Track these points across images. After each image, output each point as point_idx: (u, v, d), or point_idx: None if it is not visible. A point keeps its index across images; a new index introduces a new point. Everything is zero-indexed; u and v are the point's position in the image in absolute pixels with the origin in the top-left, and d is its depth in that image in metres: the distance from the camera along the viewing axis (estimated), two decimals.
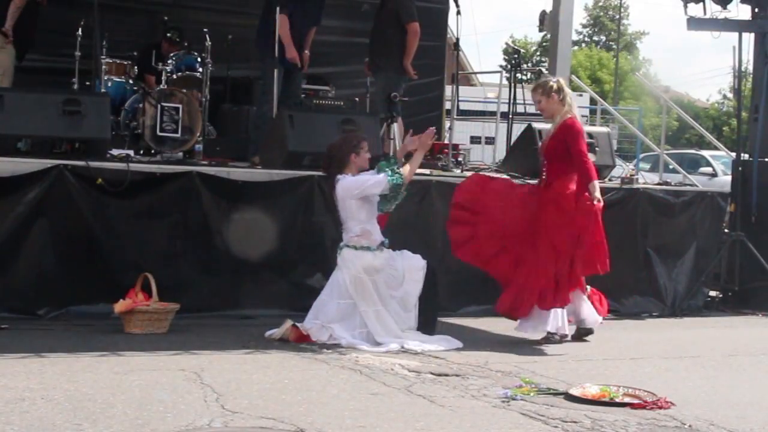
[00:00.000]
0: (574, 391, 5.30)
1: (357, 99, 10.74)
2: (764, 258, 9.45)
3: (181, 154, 8.77)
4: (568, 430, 4.63)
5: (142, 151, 8.73)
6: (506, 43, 36.03)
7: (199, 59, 9.78)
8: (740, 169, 9.96)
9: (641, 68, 45.39)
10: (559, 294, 7.09)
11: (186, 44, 10.09)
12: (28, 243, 7.13)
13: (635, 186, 9.44)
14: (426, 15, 11.67)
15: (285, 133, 8.10)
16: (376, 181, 6.74)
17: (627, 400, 5.24)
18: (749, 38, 10.18)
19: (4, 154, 7.22)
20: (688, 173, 12.77)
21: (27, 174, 7.13)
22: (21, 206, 7.10)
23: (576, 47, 44.67)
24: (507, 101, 10.70)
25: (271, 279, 7.82)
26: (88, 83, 9.29)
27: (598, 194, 6.98)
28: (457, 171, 9.55)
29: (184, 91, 9.13)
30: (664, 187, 9.87)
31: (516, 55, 11.38)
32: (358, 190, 6.73)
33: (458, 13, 9.81)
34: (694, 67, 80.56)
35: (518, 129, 9.87)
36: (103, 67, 9.32)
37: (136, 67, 9.80)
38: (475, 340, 7.05)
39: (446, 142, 10.61)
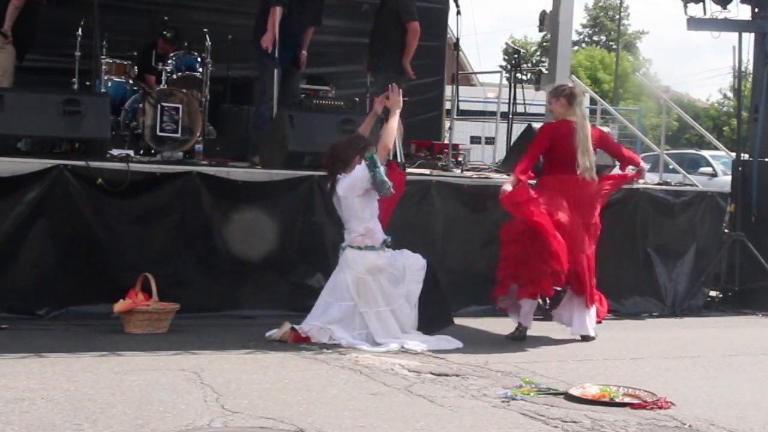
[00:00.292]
0: (574, 391, 5.30)
1: (357, 99, 10.73)
2: (764, 258, 9.46)
3: (181, 154, 8.77)
4: (568, 430, 4.63)
5: (142, 151, 8.73)
6: (506, 43, 36.00)
7: (199, 59, 9.79)
8: (740, 169, 9.96)
9: (641, 68, 45.39)
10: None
11: (185, 44, 10.09)
12: (28, 243, 7.13)
13: (635, 186, 9.43)
14: (426, 15, 11.66)
15: (285, 133, 8.10)
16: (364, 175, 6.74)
17: (627, 400, 5.24)
18: (749, 38, 10.18)
19: (4, 154, 7.22)
20: (688, 173, 12.77)
21: (27, 174, 7.13)
22: (21, 206, 7.10)
23: (576, 47, 44.68)
24: (507, 101, 10.71)
25: (271, 279, 7.82)
26: (88, 83, 9.29)
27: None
28: (457, 171, 9.55)
29: (184, 91, 9.14)
30: (664, 187, 9.88)
31: (516, 55, 11.38)
32: (361, 183, 6.70)
33: (458, 13, 9.82)
34: (694, 67, 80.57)
35: (518, 129, 9.87)
36: (103, 67, 9.33)
37: (136, 67, 9.80)
38: (475, 340, 7.05)
39: (446, 142, 10.62)
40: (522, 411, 4.93)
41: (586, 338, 7.36)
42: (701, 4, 9.97)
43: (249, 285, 7.75)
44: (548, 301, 8.40)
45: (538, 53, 45.75)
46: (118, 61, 9.64)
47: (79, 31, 9.15)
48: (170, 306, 6.92)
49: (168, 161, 8.25)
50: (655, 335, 7.81)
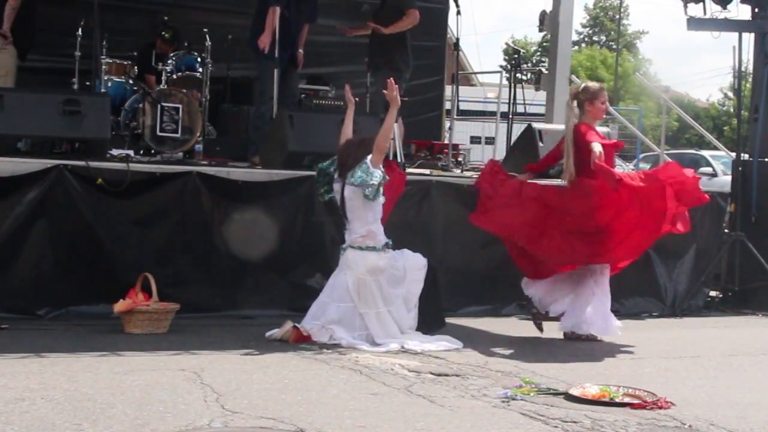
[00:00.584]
0: (574, 391, 5.30)
1: (357, 99, 10.72)
2: (764, 258, 9.46)
3: (181, 154, 8.77)
4: (568, 430, 4.63)
5: (142, 151, 8.73)
6: (506, 44, 36.02)
7: (199, 59, 9.79)
8: (740, 169, 9.96)
9: (641, 68, 45.38)
10: None
11: (185, 44, 10.09)
12: (28, 243, 7.13)
13: None
14: (426, 15, 11.65)
15: (285, 133, 8.10)
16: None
17: (627, 400, 5.24)
18: (749, 38, 10.18)
19: (4, 154, 7.22)
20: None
21: (27, 174, 7.13)
22: (21, 206, 7.10)
23: (576, 47, 44.67)
24: (507, 101, 10.71)
25: (271, 279, 7.82)
26: (88, 83, 9.29)
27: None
28: (457, 171, 9.56)
29: (184, 91, 9.14)
30: None
31: (516, 56, 11.38)
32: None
33: (458, 13, 9.83)
34: (694, 67, 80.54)
35: (518, 129, 9.88)
36: (103, 67, 9.33)
37: (136, 67, 9.81)
38: (475, 340, 7.05)
39: (446, 142, 10.62)
40: (522, 411, 4.93)
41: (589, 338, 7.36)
42: (701, 4, 9.97)
43: (249, 285, 7.75)
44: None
45: (538, 53, 45.74)
46: (118, 61, 9.64)
47: (79, 31, 9.15)
48: (170, 306, 6.92)
49: (168, 161, 8.25)
50: (655, 335, 7.81)
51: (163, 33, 10.14)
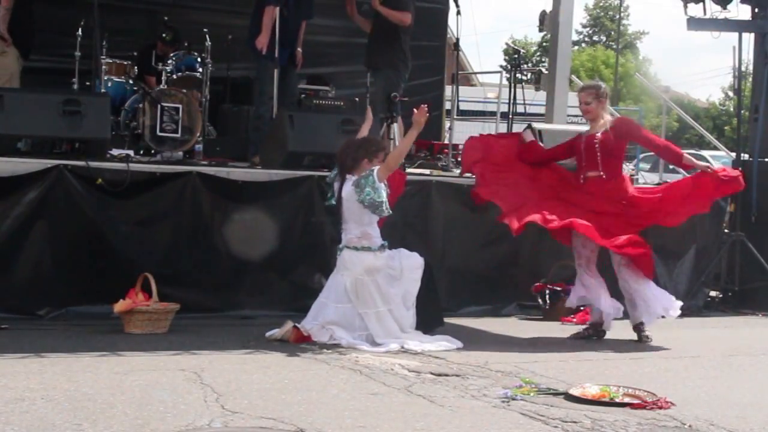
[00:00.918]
0: (574, 391, 5.30)
1: (357, 99, 10.74)
2: (764, 258, 9.46)
3: (181, 154, 8.77)
4: (568, 430, 4.63)
5: (142, 151, 8.73)
6: (506, 44, 35.98)
7: (199, 59, 9.79)
8: (740, 169, 9.94)
9: (641, 68, 45.37)
10: None
11: (185, 44, 10.09)
12: (28, 243, 7.13)
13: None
14: (426, 15, 11.66)
15: (285, 133, 8.10)
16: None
17: (627, 400, 5.24)
18: (749, 38, 10.18)
19: (4, 154, 7.22)
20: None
21: (27, 174, 7.13)
22: (21, 206, 7.10)
23: (576, 47, 44.66)
24: (507, 101, 10.71)
25: (271, 279, 7.82)
26: (88, 83, 9.29)
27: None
28: (457, 171, 9.55)
29: (184, 91, 9.14)
30: None
31: (516, 55, 11.38)
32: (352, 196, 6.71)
33: (458, 13, 9.83)
34: (694, 67, 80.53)
35: (518, 129, 9.86)
36: (103, 67, 9.33)
37: (136, 67, 9.81)
38: (475, 340, 7.05)
39: (446, 142, 10.62)
40: (522, 411, 4.93)
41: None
42: (701, 4, 9.97)
43: (249, 285, 7.75)
44: (548, 301, 8.43)
45: (538, 53, 45.72)
46: (118, 61, 9.64)
47: (79, 31, 9.15)
48: (170, 306, 6.92)
49: (168, 161, 8.25)
50: (655, 335, 7.79)
51: (163, 35, 10.13)
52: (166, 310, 6.87)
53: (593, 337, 7.43)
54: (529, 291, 8.59)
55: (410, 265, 6.88)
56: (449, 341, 6.76)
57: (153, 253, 7.42)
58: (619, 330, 7.65)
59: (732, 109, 37.42)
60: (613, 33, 48.61)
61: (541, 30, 11.80)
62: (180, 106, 8.67)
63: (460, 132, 14.76)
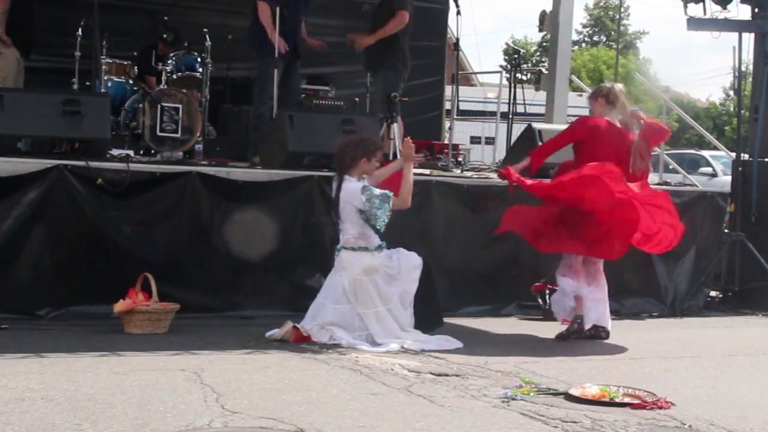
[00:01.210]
0: (574, 391, 5.30)
1: (357, 99, 10.74)
2: (764, 258, 9.46)
3: (181, 154, 8.77)
4: (568, 430, 4.63)
5: (142, 151, 8.73)
6: (506, 44, 36.03)
7: (199, 59, 9.79)
8: (740, 169, 9.96)
9: (642, 68, 45.34)
10: None
11: (185, 44, 10.09)
12: (28, 243, 7.13)
13: None
14: (426, 15, 11.67)
15: (285, 133, 8.10)
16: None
17: (627, 400, 5.24)
18: (749, 38, 10.18)
19: (4, 154, 7.22)
20: (688, 173, 12.79)
21: (27, 174, 7.13)
22: (21, 206, 7.10)
23: (576, 47, 44.63)
24: (507, 101, 10.71)
25: (271, 279, 7.82)
26: (88, 83, 9.29)
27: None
28: (457, 171, 9.55)
29: (184, 91, 9.14)
30: (664, 187, 9.86)
31: (516, 55, 11.38)
32: (354, 205, 6.70)
33: (458, 13, 9.82)
34: (694, 67, 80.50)
35: (518, 129, 9.88)
36: (103, 67, 9.33)
37: (136, 68, 9.81)
38: (475, 340, 7.05)
39: (446, 142, 10.62)
40: (522, 411, 4.92)
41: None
42: (701, 4, 9.97)
43: (249, 285, 7.75)
44: (548, 301, 8.42)
45: (538, 53, 45.71)
46: (118, 61, 9.64)
47: (79, 31, 9.16)
48: (170, 306, 6.92)
49: (168, 161, 8.25)
50: (655, 335, 7.81)
51: (164, 36, 10.13)
52: (166, 310, 6.87)
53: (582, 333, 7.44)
54: (529, 291, 8.59)
55: (408, 264, 6.87)
56: (449, 341, 6.76)
57: (153, 253, 7.41)
58: (619, 330, 7.66)
59: (732, 109, 37.42)
60: (613, 33, 48.61)
61: (541, 30, 11.81)
62: (180, 106, 8.68)
63: (460, 132, 14.81)
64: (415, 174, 8.71)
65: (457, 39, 10.08)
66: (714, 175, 18.17)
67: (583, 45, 48.92)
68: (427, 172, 9.12)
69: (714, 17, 10.01)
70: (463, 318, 8.11)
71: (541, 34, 25.62)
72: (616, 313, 8.82)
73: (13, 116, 7.31)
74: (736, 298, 9.76)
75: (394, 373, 5.76)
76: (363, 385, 5.40)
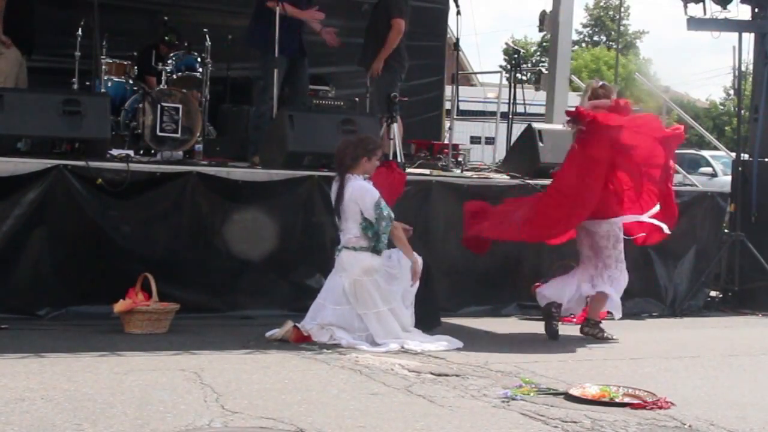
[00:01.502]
0: (574, 391, 5.30)
1: (357, 99, 10.74)
2: (764, 258, 9.46)
3: (181, 154, 8.77)
4: (568, 430, 4.63)
5: (142, 151, 8.73)
6: (506, 44, 35.97)
7: (199, 59, 9.79)
8: (740, 169, 9.96)
9: (642, 68, 45.32)
10: None
11: (185, 44, 10.09)
12: (28, 243, 7.13)
13: None
14: (426, 15, 11.66)
15: (285, 133, 8.10)
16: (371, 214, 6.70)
17: (627, 400, 5.24)
18: (749, 38, 10.18)
19: (4, 154, 7.22)
20: (688, 173, 12.79)
21: (27, 174, 7.13)
22: (21, 206, 7.09)
23: (576, 47, 44.62)
24: (507, 101, 10.71)
25: (271, 279, 7.81)
26: (88, 83, 9.29)
27: None
28: (457, 171, 9.55)
29: (184, 91, 9.14)
30: None
31: (516, 55, 11.38)
32: (361, 206, 6.70)
33: (458, 13, 9.81)
34: (694, 67, 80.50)
35: (518, 129, 9.88)
36: (103, 67, 9.33)
37: (136, 67, 9.80)
38: (475, 340, 7.05)
39: (446, 142, 10.61)
40: (522, 411, 4.93)
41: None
42: (701, 4, 9.97)
43: (249, 285, 7.75)
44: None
45: (538, 53, 45.71)
46: (118, 61, 9.64)
47: (79, 31, 9.15)
48: (170, 306, 6.91)
49: (168, 161, 8.25)
50: (655, 335, 7.81)
51: (166, 38, 10.11)
52: (166, 310, 6.87)
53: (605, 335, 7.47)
54: (529, 291, 8.57)
55: (408, 263, 6.87)
56: (449, 341, 6.76)
57: (153, 253, 7.41)
58: (619, 330, 7.66)
59: (732, 109, 37.41)
60: (613, 33, 48.60)
61: (541, 30, 11.81)
62: (180, 106, 8.67)
63: (460, 132, 14.81)
64: (415, 174, 8.76)
65: (457, 39, 10.08)
66: (714, 175, 18.17)
67: (584, 45, 48.91)
68: (427, 172, 9.12)
69: (714, 17, 10.01)
70: (463, 318, 8.11)
71: (541, 34, 25.62)
72: None
73: (13, 116, 7.32)
74: (736, 298, 9.76)
75: (394, 373, 5.76)
76: (363, 385, 5.40)
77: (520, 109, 10.51)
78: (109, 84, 9.41)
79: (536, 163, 9.08)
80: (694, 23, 10.05)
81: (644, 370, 6.29)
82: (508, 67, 14.57)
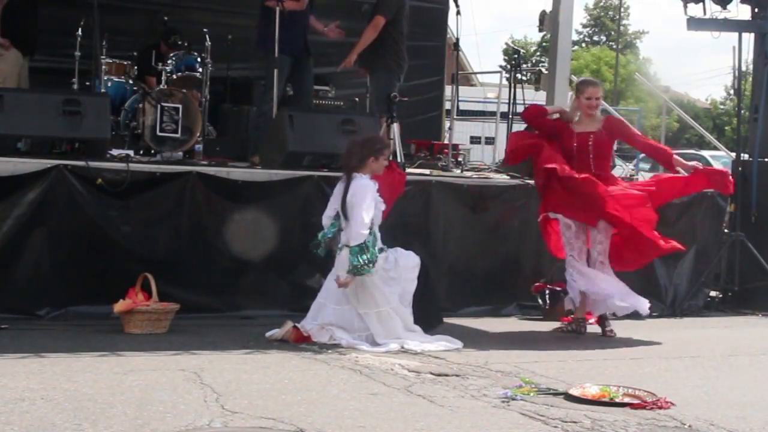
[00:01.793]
0: (574, 391, 5.30)
1: (357, 99, 10.74)
2: (764, 258, 9.45)
3: (181, 154, 8.77)
4: (568, 430, 4.63)
5: (142, 151, 8.72)
6: (506, 44, 36.03)
7: (199, 59, 9.78)
8: (740, 169, 9.95)
9: (642, 68, 45.34)
10: None
11: (185, 44, 10.09)
12: (28, 243, 7.13)
13: None
14: (426, 15, 11.65)
15: (285, 133, 8.10)
16: (362, 223, 6.65)
17: (627, 400, 5.24)
18: (749, 38, 10.18)
19: (4, 154, 7.21)
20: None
21: (27, 174, 7.13)
22: (21, 206, 7.09)
23: (576, 47, 44.64)
24: (507, 101, 10.71)
25: (270, 279, 7.81)
26: (88, 83, 9.29)
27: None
28: (457, 171, 9.55)
29: (184, 91, 9.13)
30: None
31: (516, 55, 11.38)
32: (363, 203, 6.69)
33: (458, 13, 9.81)
34: (694, 67, 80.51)
35: (518, 129, 9.87)
36: (103, 67, 9.32)
37: (136, 67, 9.80)
38: (475, 340, 7.05)
39: (446, 142, 10.61)
40: (522, 411, 4.93)
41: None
42: (701, 4, 9.97)
43: (249, 285, 7.75)
44: (548, 301, 8.43)
45: (538, 53, 45.72)
46: (118, 61, 9.63)
47: (79, 31, 9.15)
48: (170, 306, 6.91)
49: (168, 161, 8.25)
50: (655, 335, 7.80)
51: (169, 40, 10.10)
52: (166, 310, 6.87)
53: (575, 332, 7.49)
54: (529, 291, 8.58)
55: (406, 264, 6.87)
56: (449, 341, 6.76)
57: (153, 253, 7.41)
58: (620, 330, 7.66)
59: (732, 109, 37.45)
60: (613, 33, 48.61)
61: (541, 30, 11.78)
62: (180, 106, 8.67)
63: (460, 132, 14.80)
64: (415, 174, 8.76)
65: (457, 39, 10.08)
66: None
67: (584, 45, 48.91)
68: (427, 172, 9.11)
69: (714, 17, 10.01)
70: (463, 318, 8.11)
71: (541, 34, 25.63)
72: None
73: (13, 116, 7.31)
74: (736, 298, 9.75)
75: (394, 373, 5.76)
76: (363, 385, 5.40)
77: (520, 109, 10.49)
78: (109, 84, 9.40)
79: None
80: (694, 23, 10.05)
81: (644, 370, 6.29)
82: (508, 67, 14.58)
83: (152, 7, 10.96)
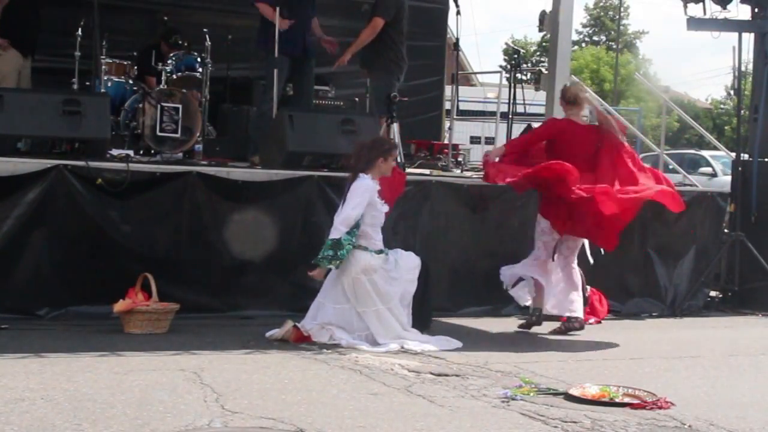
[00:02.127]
0: (574, 391, 5.30)
1: (357, 99, 10.74)
2: (764, 258, 9.46)
3: (181, 154, 8.77)
4: (568, 430, 4.63)
5: (142, 151, 8.73)
6: (506, 44, 36.03)
7: (199, 59, 9.78)
8: (740, 169, 9.96)
9: (641, 68, 45.32)
10: None
11: (185, 44, 10.09)
12: (28, 243, 7.13)
13: None
14: (426, 15, 11.66)
15: (285, 133, 8.10)
16: (344, 219, 6.65)
17: (627, 400, 5.24)
18: (749, 38, 10.18)
19: (4, 154, 7.21)
20: (688, 173, 12.78)
21: (27, 174, 7.12)
22: (21, 206, 7.09)
23: (576, 47, 44.63)
24: (507, 101, 10.71)
25: (271, 279, 7.81)
26: (88, 83, 9.29)
27: None
28: (457, 171, 9.56)
29: (184, 91, 9.13)
30: None
31: (516, 55, 11.38)
32: (353, 201, 6.69)
33: (458, 13, 9.82)
34: (694, 67, 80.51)
35: (518, 129, 9.88)
36: (103, 67, 9.32)
37: (136, 67, 9.80)
38: (475, 340, 7.06)
39: (446, 142, 10.62)
40: (522, 411, 4.93)
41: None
42: (701, 4, 9.97)
43: (249, 285, 7.75)
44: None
45: (538, 53, 45.71)
46: (118, 61, 9.64)
47: (79, 31, 9.15)
48: (170, 306, 6.91)
49: (168, 161, 8.25)
50: (655, 335, 7.81)
51: (170, 40, 10.10)
52: (165, 310, 6.87)
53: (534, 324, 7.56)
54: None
55: (407, 265, 6.87)
56: (449, 341, 6.76)
57: (153, 253, 7.41)
58: (619, 330, 7.67)
59: (732, 109, 37.44)
60: (613, 33, 48.59)
61: (541, 30, 11.79)
62: (180, 106, 8.67)
63: (459, 132, 14.80)
64: (415, 174, 8.76)
65: (457, 39, 10.09)
66: (714, 175, 18.15)
67: (583, 45, 48.90)
68: (427, 172, 9.12)
69: (714, 17, 10.01)
70: (463, 318, 8.11)
71: (541, 34, 25.64)
72: (617, 313, 8.84)
73: (13, 116, 7.32)
74: (736, 298, 9.76)
75: (394, 373, 5.76)
76: (363, 385, 5.40)
77: (519, 109, 10.51)
78: (109, 84, 9.40)
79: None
80: (694, 23, 10.05)
81: (644, 370, 6.29)
82: (508, 67, 14.56)
83: (152, 7, 10.96)
